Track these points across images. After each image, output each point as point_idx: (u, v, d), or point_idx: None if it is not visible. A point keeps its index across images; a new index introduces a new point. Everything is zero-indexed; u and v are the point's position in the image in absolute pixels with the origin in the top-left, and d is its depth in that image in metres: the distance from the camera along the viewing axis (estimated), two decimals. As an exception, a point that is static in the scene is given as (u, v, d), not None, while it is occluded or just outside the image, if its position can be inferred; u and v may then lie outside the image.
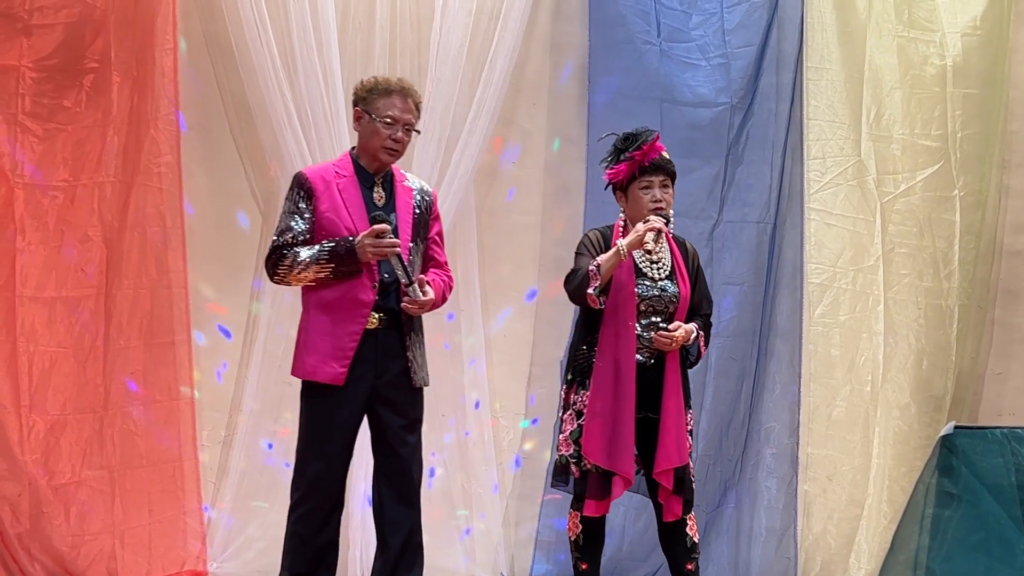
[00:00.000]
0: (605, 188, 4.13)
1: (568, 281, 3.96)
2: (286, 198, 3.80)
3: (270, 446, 4.89)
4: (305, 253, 3.68)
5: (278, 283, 3.81)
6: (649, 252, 3.93)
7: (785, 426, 5.17)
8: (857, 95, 5.31)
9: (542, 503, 5.02)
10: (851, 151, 5.32)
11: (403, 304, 3.71)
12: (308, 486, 3.71)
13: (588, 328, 3.97)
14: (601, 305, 3.87)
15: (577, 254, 4.02)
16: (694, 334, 3.95)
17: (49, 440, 4.64)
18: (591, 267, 3.85)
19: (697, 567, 3.99)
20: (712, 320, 4.19)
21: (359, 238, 3.62)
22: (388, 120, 3.72)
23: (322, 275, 3.67)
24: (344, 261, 3.64)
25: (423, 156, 4.87)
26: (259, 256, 4.96)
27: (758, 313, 5.17)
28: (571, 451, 3.91)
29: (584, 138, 5.16)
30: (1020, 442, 4.76)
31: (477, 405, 5.05)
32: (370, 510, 3.97)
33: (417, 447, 3.84)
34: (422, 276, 3.76)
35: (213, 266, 4.96)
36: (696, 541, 3.98)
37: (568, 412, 3.97)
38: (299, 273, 3.69)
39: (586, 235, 4.07)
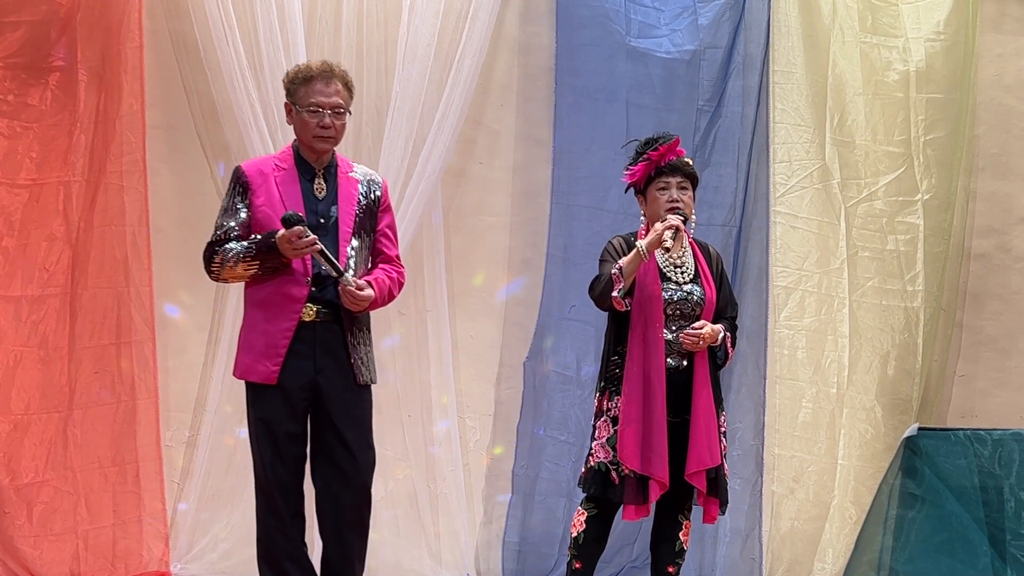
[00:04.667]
0: (625, 191, 4.11)
1: (592, 288, 3.93)
2: (225, 193, 3.71)
3: (235, 447, 4.87)
4: (234, 249, 3.58)
5: (215, 280, 3.73)
6: (669, 251, 3.90)
7: (750, 427, 5.19)
8: (821, 100, 5.34)
9: (510, 503, 5.03)
10: (816, 155, 5.34)
11: (340, 293, 3.57)
12: (263, 489, 3.63)
13: (618, 337, 3.94)
14: (627, 307, 3.85)
15: (601, 261, 3.98)
16: (721, 334, 3.93)
17: (12, 440, 4.61)
18: (614, 271, 3.82)
19: (678, 572, 4.00)
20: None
21: (279, 234, 3.50)
22: (312, 108, 3.61)
23: (251, 271, 3.57)
24: (268, 257, 3.53)
25: (391, 155, 4.87)
26: (224, 256, 4.96)
27: (724, 315, 5.20)
28: (610, 457, 3.87)
29: (551, 139, 5.17)
30: (983, 444, 4.80)
31: (444, 406, 5.05)
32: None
33: (363, 447, 3.66)
34: (361, 280, 3.61)
35: (178, 265, 4.95)
36: (685, 548, 3.99)
37: (602, 419, 3.93)
38: (231, 269, 3.59)
39: (609, 242, 4.02)
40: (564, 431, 5.07)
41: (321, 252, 3.50)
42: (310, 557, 3.74)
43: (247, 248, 3.56)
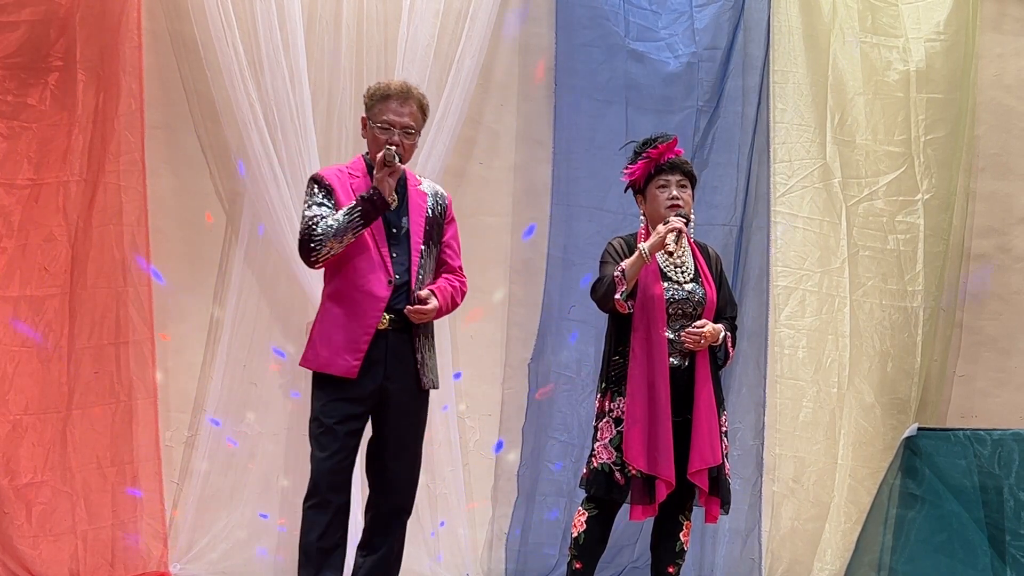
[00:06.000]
0: (624, 191, 4.12)
1: (595, 290, 3.95)
2: (304, 201, 3.75)
3: (235, 445, 4.87)
4: (335, 217, 3.64)
5: (317, 260, 3.68)
6: (671, 254, 3.90)
7: (750, 427, 5.19)
8: (822, 99, 5.34)
9: (515, 504, 5.03)
10: (816, 154, 5.34)
11: (407, 311, 3.68)
12: (318, 478, 3.68)
13: (619, 337, 3.94)
14: (630, 309, 3.86)
15: (602, 263, 4.00)
16: (722, 333, 3.94)
17: (11, 440, 4.60)
18: (616, 273, 3.83)
19: (678, 572, 3.99)
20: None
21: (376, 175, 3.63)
22: (383, 125, 3.72)
23: (354, 226, 3.61)
24: (370, 205, 3.61)
25: (391, 156, 4.87)
26: (223, 255, 4.96)
27: (725, 315, 5.20)
28: (613, 458, 3.88)
29: (551, 139, 5.17)
30: (982, 444, 4.79)
31: (444, 407, 5.04)
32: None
33: (419, 452, 3.81)
34: (422, 292, 3.72)
35: (177, 265, 4.95)
36: (686, 548, 3.99)
37: (605, 420, 3.93)
38: (334, 239, 3.61)
39: (610, 243, 4.03)
40: (565, 431, 5.07)
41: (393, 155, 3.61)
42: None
43: (348, 209, 3.62)
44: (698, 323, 3.88)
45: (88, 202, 4.74)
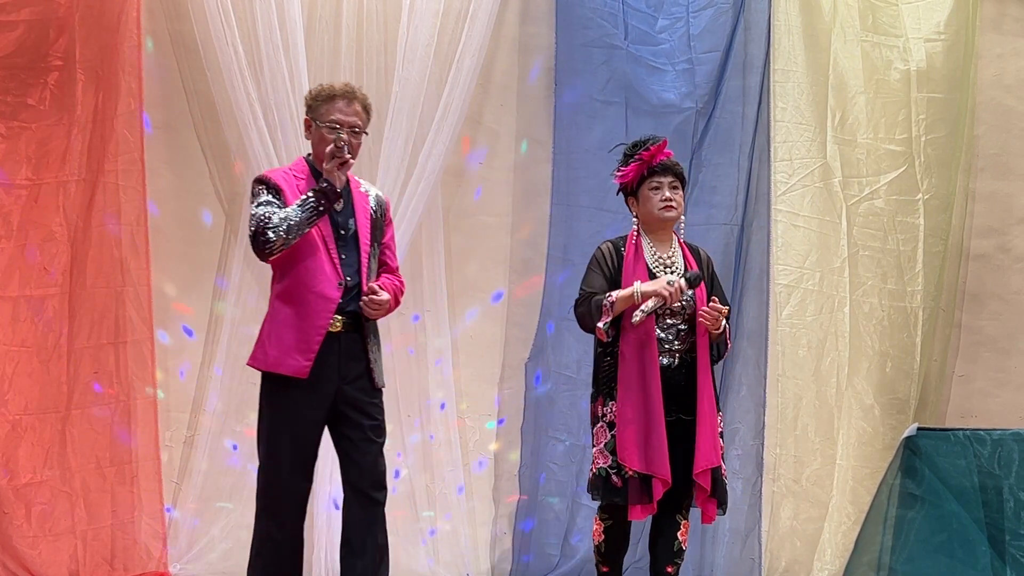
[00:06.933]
0: (617, 193, 4.11)
1: (578, 305, 3.96)
2: (251, 200, 3.76)
3: (234, 447, 4.87)
4: (286, 210, 3.64)
5: (271, 255, 3.68)
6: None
7: (750, 428, 5.19)
8: (823, 98, 5.34)
9: (517, 504, 5.03)
10: (817, 153, 5.34)
11: (361, 303, 3.73)
12: (273, 483, 3.69)
13: (609, 340, 3.94)
14: (608, 338, 3.88)
15: (589, 269, 4.00)
16: (723, 322, 3.94)
17: (11, 440, 4.60)
18: (605, 302, 3.84)
19: (677, 572, 3.99)
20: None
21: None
22: (331, 124, 3.74)
23: (309, 217, 3.63)
24: (321, 195, 3.64)
25: (390, 155, 4.87)
26: (223, 255, 4.96)
27: (725, 314, 5.19)
28: (609, 462, 3.89)
29: (551, 139, 5.16)
30: (982, 444, 4.78)
31: (443, 406, 5.05)
32: (336, 513, 3.96)
33: (381, 448, 3.84)
34: (372, 285, 3.76)
35: (177, 265, 4.95)
36: (684, 547, 3.99)
37: (599, 424, 3.95)
38: (289, 229, 3.61)
39: (599, 248, 4.03)
40: (565, 431, 5.07)
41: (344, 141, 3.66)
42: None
43: (301, 201, 3.65)
44: (718, 305, 3.87)
45: (87, 202, 4.74)
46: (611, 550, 3.99)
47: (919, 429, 4.96)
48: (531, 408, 5.08)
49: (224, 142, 4.92)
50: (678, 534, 3.97)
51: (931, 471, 4.86)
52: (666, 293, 3.78)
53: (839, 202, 5.35)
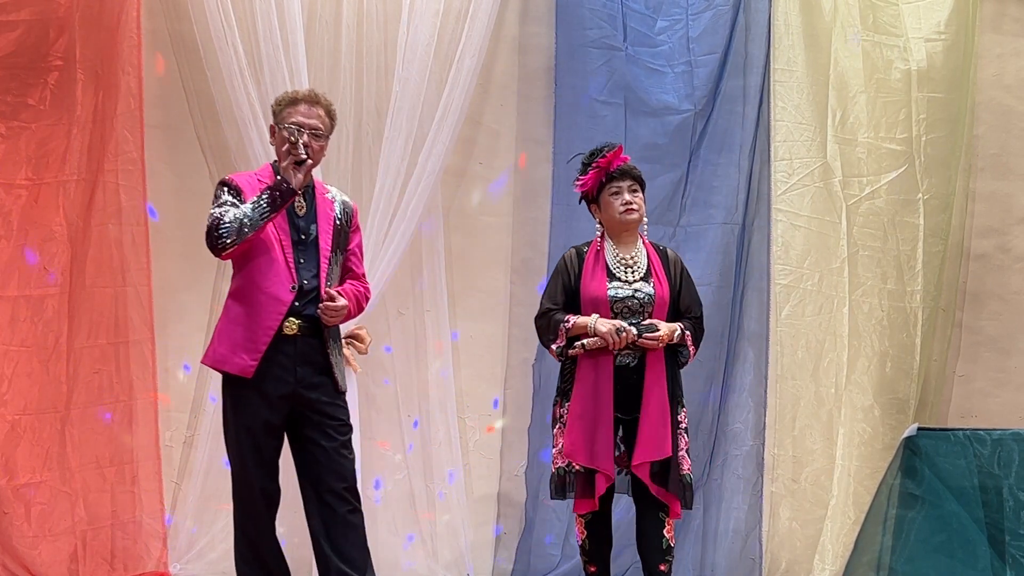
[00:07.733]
0: (579, 202, 4.21)
1: (538, 318, 4.08)
2: (212, 202, 3.78)
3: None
4: (240, 208, 3.67)
5: (225, 250, 3.71)
6: (624, 259, 4.04)
7: (751, 428, 5.19)
8: (823, 98, 5.34)
9: (515, 504, 5.03)
10: (817, 153, 5.34)
11: (319, 311, 3.73)
12: (237, 480, 3.77)
13: (569, 340, 4.03)
14: (560, 359, 4.03)
15: (551, 278, 4.14)
16: (677, 332, 4.02)
17: (10, 440, 4.59)
18: (563, 324, 3.97)
19: (670, 569, 4.02)
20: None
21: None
22: (291, 126, 3.75)
23: (260, 206, 3.66)
24: (277, 193, 3.66)
25: (390, 155, 4.87)
26: (223, 255, 4.95)
27: (726, 315, 5.19)
28: (565, 463, 4.00)
29: (551, 139, 5.17)
30: (982, 444, 4.78)
31: (443, 406, 5.04)
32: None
33: (349, 445, 3.83)
34: (330, 291, 3.76)
35: (176, 265, 4.94)
36: (672, 544, 4.02)
37: (557, 427, 4.07)
38: (244, 225, 3.64)
39: (564, 256, 4.15)
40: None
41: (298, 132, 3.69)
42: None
43: (255, 199, 3.67)
44: (646, 323, 3.95)
45: (87, 202, 4.73)
46: (595, 547, 4.07)
47: (919, 429, 4.97)
48: (538, 408, 5.08)
49: (224, 142, 4.91)
50: (663, 532, 4.01)
51: (931, 471, 4.86)
52: (610, 340, 3.90)
53: (839, 202, 5.35)
